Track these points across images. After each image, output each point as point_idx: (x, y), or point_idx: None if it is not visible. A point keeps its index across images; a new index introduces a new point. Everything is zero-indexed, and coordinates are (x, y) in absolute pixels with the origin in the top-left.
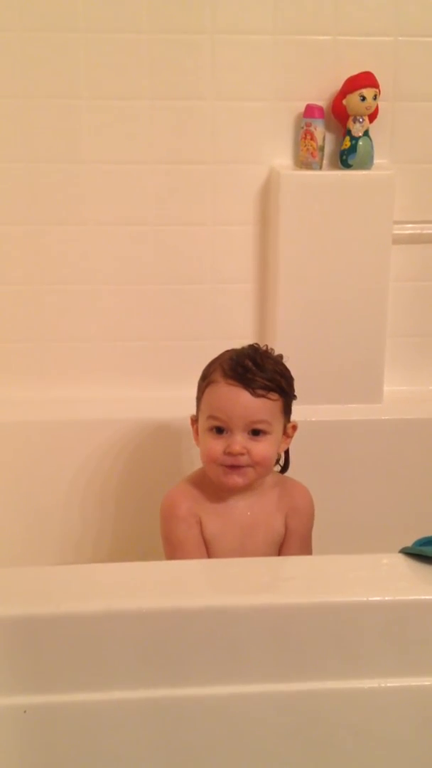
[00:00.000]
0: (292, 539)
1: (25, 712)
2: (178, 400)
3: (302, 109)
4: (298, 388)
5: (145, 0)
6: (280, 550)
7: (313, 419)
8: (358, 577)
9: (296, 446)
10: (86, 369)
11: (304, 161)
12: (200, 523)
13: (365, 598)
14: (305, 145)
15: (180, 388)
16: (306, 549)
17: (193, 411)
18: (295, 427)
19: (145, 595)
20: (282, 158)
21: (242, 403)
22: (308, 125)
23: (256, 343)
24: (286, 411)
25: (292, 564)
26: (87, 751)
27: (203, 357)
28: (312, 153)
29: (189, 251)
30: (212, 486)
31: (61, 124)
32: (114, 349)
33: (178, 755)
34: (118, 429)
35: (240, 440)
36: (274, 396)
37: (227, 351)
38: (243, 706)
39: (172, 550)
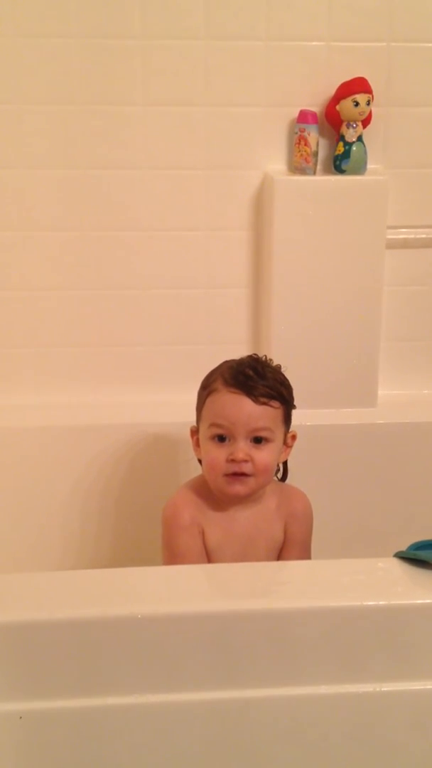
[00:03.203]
0: (291, 545)
1: (20, 718)
2: (175, 405)
3: (296, 114)
4: (294, 392)
5: (138, 6)
6: (279, 556)
7: (308, 423)
8: (353, 581)
9: (292, 450)
10: (83, 374)
11: (297, 167)
12: (203, 533)
13: (360, 603)
14: (299, 151)
15: (176, 393)
16: (305, 554)
17: (190, 415)
18: (294, 437)
19: (140, 601)
20: (276, 164)
21: (245, 410)
22: (302, 131)
23: (255, 354)
24: (287, 420)
25: (287, 569)
26: (83, 757)
27: (199, 361)
28: (306, 158)
29: (184, 256)
30: (213, 494)
31: (54, 130)
32: (110, 354)
33: (175, 761)
34: (115, 434)
35: (243, 447)
36: (276, 404)
37: (226, 361)
38: (238, 711)
39: (173, 558)
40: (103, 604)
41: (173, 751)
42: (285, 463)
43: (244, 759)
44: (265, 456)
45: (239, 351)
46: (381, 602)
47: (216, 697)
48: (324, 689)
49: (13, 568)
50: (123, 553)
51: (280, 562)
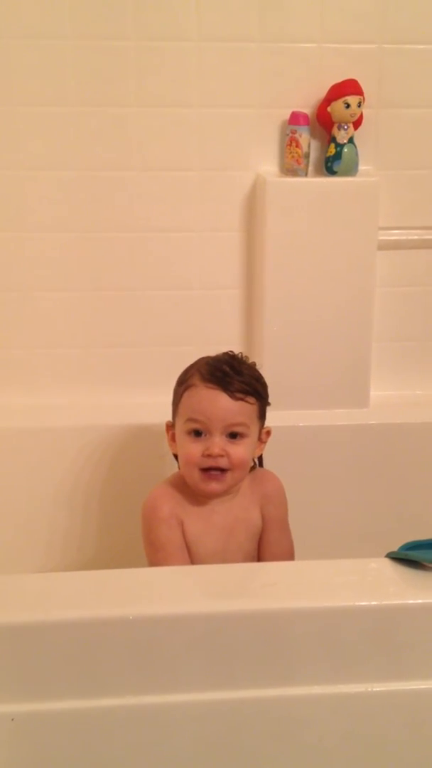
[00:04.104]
0: (271, 526)
1: (12, 719)
2: (165, 406)
3: (287, 116)
4: (286, 393)
5: (131, 7)
6: (261, 539)
7: (300, 424)
8: (345, 581)
9: (284, 451)
10: (72, 375)
11: (289, 168)
12: (182, 525)
13: (353, 603)
14: (290, 152)
15: (168, 394)
16: (285, 533)
17: None
18: (269, 433)
19: (132, 603)
20: (268, 165)
21: (221, 405)
22: (293, 132)
23: (231, 351)
24: (261, 416)
25: (279, 569)
26: (75, 759)
27: (190, 362)
28: (297, 160)
29: (176, 257)
30: (191, 489)
31: (48, 131)
32: (103, 355)
33: (169, 762)
34: (104, 435)
35: (219, 442)
36: (252, 400)
37: (203, 358)
38: (231, 712)
39: (154, 552)
40: (95, 606)
41: (167, 751)
42: (260, 458)
43: (238, 759)
44: (240, 451)
45: None
46: (373, 602)
47: (209, 698)
48: (317, 689)
49: (13, 568)
50: (110, 551)
51: (272, 563)
